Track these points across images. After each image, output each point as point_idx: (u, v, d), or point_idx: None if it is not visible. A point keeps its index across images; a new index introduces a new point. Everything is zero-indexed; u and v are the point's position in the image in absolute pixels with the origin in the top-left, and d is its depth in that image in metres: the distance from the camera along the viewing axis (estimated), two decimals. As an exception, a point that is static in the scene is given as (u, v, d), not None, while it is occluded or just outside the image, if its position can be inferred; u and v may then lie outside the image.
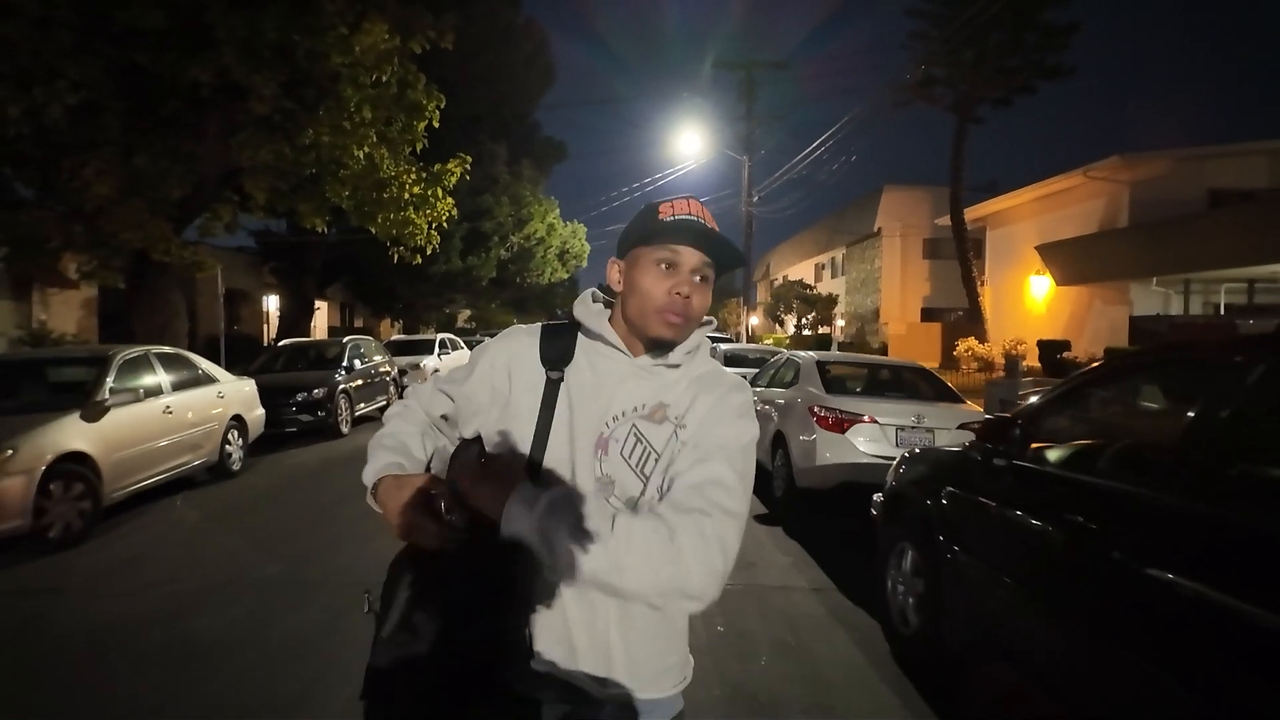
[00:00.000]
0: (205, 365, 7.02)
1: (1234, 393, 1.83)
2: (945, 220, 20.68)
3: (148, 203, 8.26)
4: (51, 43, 7.02)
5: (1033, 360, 15.55)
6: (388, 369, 12.09)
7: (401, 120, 9.68)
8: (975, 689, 2.95)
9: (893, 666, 3.13)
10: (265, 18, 7.63)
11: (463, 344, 16.84)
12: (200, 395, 6.56)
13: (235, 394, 7.22)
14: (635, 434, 1.00)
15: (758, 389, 7.16)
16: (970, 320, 20.14)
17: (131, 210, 8.03)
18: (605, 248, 30.42)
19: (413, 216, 10.12)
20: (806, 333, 26.61)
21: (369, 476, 1.02)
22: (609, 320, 1.07)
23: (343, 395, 9.84)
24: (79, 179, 7.74)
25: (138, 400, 5.56)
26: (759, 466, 6.42)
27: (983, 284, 20.23)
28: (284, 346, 11.73)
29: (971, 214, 20.47)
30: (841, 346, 25.00)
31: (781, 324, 30.28)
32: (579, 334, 1.08)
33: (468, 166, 10.59)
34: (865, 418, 5.45)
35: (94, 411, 5.08)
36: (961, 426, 4.31)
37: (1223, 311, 15.64)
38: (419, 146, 10.01)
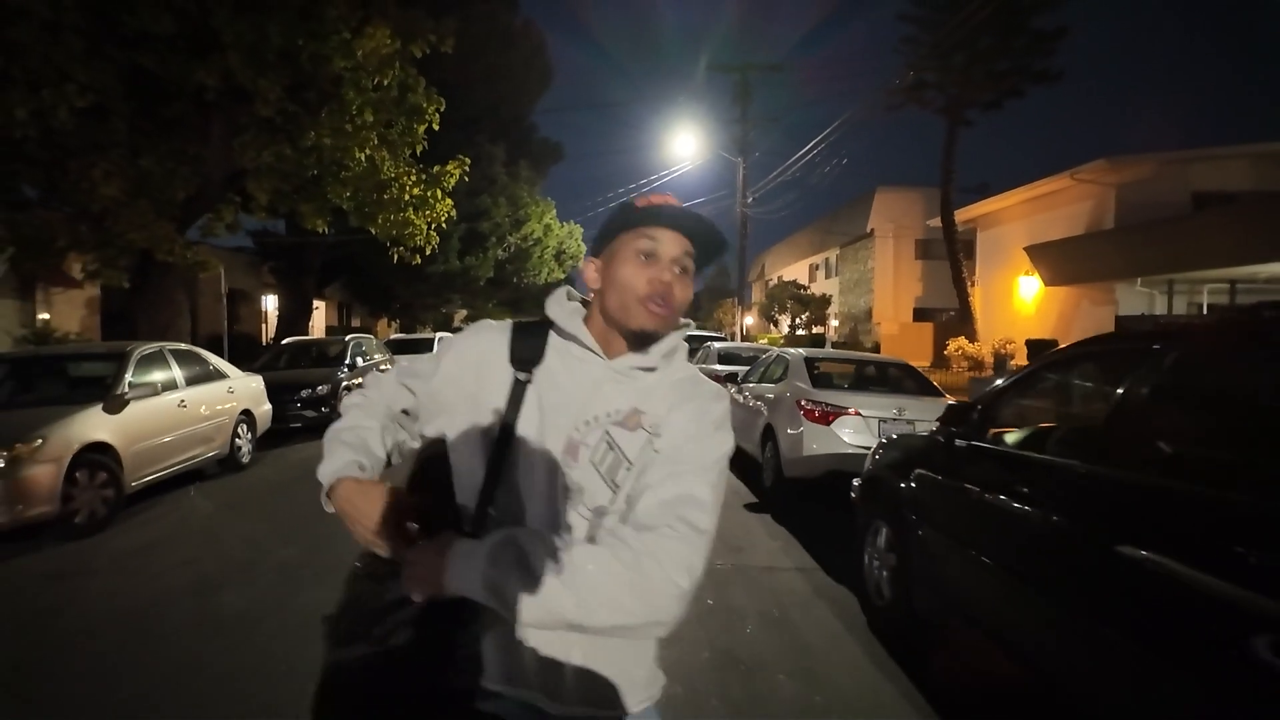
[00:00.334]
0: (216, 361, 7.26)
1: (1153, 377, 2.10)
2: (937, 222, 20.93)
3: (154, 204, 8.44)
4: (61, 46, 7.19)
5: (1022, 359, 15.78)
6: (388, 367, 12.26)
7: (402, 123, 9.89)
8: (941, 650, 3.22)
9: (868, 634, 3.40)
10: (271, 23, 7.84)
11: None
12: (212, 390, 6.80)
13: (244, 389, 7.47)
14: (608, 441, 0.96)
15: (748, 385, 7.44)
16: (961, 320, 20.42)
17: (138, 211, 8.21)
18: (601, 248, 30.46)
19: (412, 217, 10.33)
20: (801, 333, 26.89)
21: (326, 475, 0.98)
22: (584, 321, 1.02)
23: (346, 392, 10.02)
24: (87, 180, 7.89)
25: (155, 394, 5.79)
26: (749, 457, 6.78)
27: (973, 284, 20.51)
28: (288, 344, 11.97)
29: (962, 215, 20.75)
30: (835, 346, 25.28)
31: (776, 324, 30.57)
32: (551, 333, 1.03)
33: (466, 168, 10.80)
34: (850, 410, 5.71)
35: (115, 404, 5.31)
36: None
37: (1205, 311, 15.96)
38: (419, 149, 10.21)
